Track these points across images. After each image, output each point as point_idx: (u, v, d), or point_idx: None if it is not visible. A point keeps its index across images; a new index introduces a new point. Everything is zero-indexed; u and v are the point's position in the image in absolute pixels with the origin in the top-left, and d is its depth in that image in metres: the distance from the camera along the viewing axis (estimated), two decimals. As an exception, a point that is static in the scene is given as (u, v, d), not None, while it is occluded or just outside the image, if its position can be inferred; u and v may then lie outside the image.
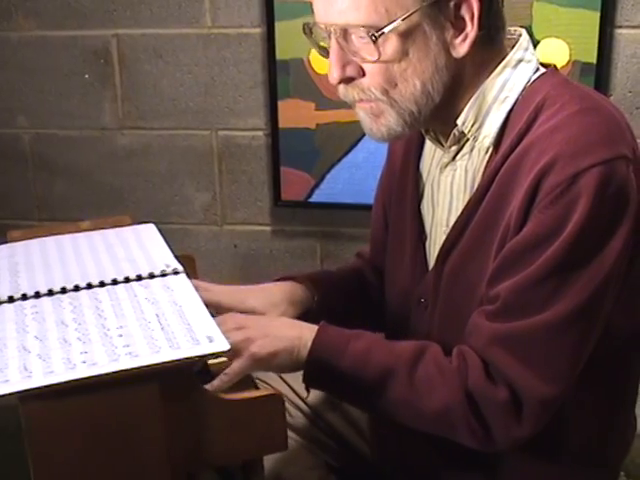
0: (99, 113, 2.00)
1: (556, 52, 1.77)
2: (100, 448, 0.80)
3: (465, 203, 1.02)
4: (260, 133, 1.95)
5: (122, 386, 0.79)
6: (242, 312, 1.12)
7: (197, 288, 1.08)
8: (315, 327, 1.02)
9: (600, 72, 1.77)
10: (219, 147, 1.99)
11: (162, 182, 2.04)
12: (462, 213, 1.02)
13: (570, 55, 1.77)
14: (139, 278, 0.99)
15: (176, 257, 1.08)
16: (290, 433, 1.33)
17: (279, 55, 1.85)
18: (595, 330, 0.94)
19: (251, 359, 0.98)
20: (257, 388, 0.95)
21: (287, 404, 1.34)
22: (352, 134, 1.86)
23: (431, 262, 1.10)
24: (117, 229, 1.19)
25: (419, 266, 1.12)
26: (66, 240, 1.15)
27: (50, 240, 1.14)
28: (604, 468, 1.12)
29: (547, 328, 0.91)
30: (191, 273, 1.27)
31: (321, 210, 1.99)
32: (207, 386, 0.93)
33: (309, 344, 1.00)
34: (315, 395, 1.37)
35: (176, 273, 1.01)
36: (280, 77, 1.88)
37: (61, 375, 0.76)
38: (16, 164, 2.08)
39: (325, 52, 1.00)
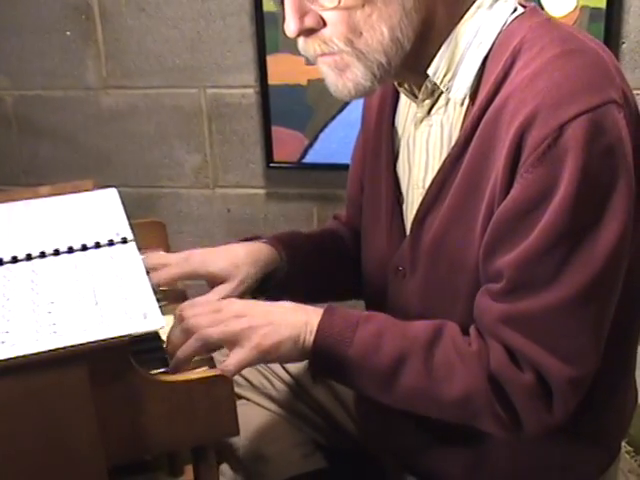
0: (82, 72, 1.92)
1: (563, -3, 1.64)
2: (24, 437, 0.73)
3: (442, 162, 0.93)
4: (250, 90, 1.86)
5: (46, 369, 0.71)
6: (202, 278, 1.05)
7: (154, 268, 1.02)
8: (321, 311, 0.92)
9: (610, 18, 1.63)
10: (208, 106, 1.89)
11: (150, 144, 1.95)
12: (438, 172, 0.93)
13: (577, 0, 1.63)
14: (84, 248, 0.92)
15: (133, 225, 1.01)
16: (274, 407, 1.27)
17: (266, 6, 1.73)
18: (614, 299, 0.85)
19: (255, 350, 0.88)
20: (214, 366, 0.86)
21: (274, 379, 1.29)
22: (346, 90, 1.75)
23: (409, 226, 1.01)
24: (76, 195, 1.12)
25: (395, 231, 1.03)
26: (19, 207, 1.07)
27: (1, 207, 1.07)
28: (600, 446, 1.03)
29: (561, 305, 0.82)
30: (161, 240, 1.20)
31: (316, 171, 1.90)
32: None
33: (315, 330, 0.90)
34: (300, 367, 1.31)
35: (124, 242, 0.93)
36: (268, 30, 1.76)
37: (-24, 357, 0.70)
38: (0, 127, 2.01)
39: (280, 2, 0.90)
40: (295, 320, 0.91)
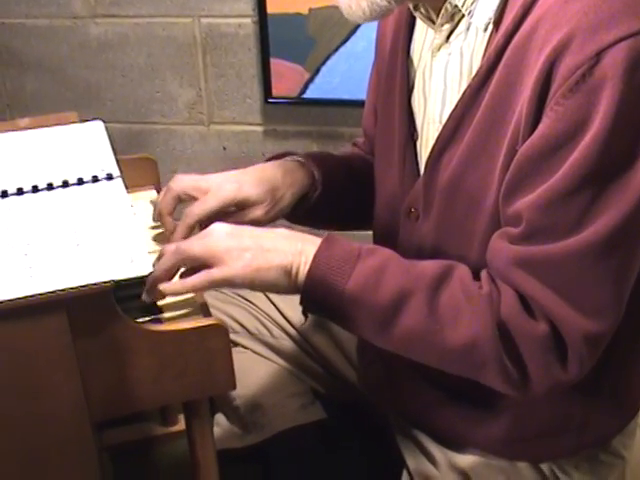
0: (69, -1, 1.80)
1: None
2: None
3: (461, 94, 0.84)
4: (247, 20, 1.74)
5: (21, 317, 0.64)
6: (236, 203, 0.97)
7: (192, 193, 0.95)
8: (319, 240, 0.84)
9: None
10: (202, 37, 1.78)
11: (141, 77, 1.85)
12: (457, 106, 0.84)
13: None
14: (65, 184, 0.83)
15: (121, 161, 0.92)
16: (275, 357, 1.22)
17: None
18: None
19: (239, 270, 0.80)
20: (209, 315, 0.79)
21: (272, 325, 1.23)
22: (350, 19, 1.64)
23: (423, 165, 0.93)
24: (58, 127, 1.03)
25: (408, 170, 0.95)
26: (-5, 140, 0.99)
27: (-24, 140, 0.98)
28: (620, 402, 0.97)
29: (583, 251, 0.74)
30: (152, 178, 1.13)
31: (317, 107, 1.80)
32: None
33: (310, 260, 0.82)
34: (299, 313, 1.24)
35: (110, 178, 0.85)
36: (266, -48, 1.65)
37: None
38: (-18, 59, 1.90)
39: None
40: (288, 247, 0.83)
